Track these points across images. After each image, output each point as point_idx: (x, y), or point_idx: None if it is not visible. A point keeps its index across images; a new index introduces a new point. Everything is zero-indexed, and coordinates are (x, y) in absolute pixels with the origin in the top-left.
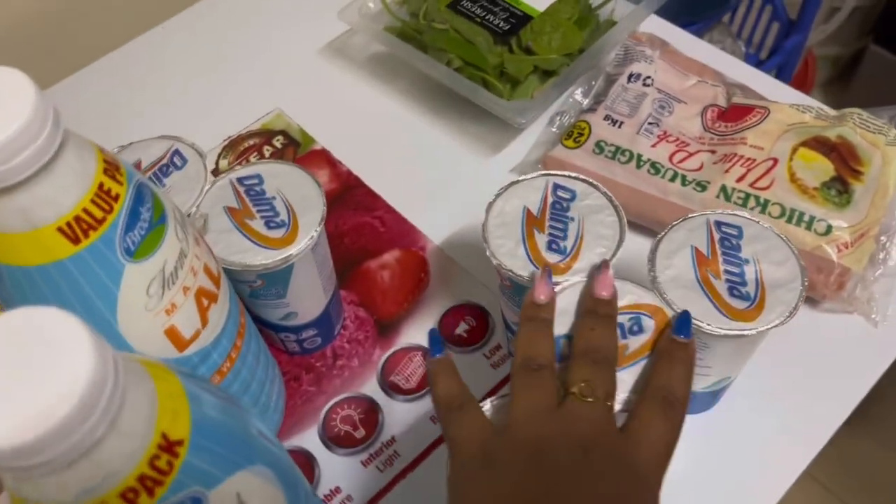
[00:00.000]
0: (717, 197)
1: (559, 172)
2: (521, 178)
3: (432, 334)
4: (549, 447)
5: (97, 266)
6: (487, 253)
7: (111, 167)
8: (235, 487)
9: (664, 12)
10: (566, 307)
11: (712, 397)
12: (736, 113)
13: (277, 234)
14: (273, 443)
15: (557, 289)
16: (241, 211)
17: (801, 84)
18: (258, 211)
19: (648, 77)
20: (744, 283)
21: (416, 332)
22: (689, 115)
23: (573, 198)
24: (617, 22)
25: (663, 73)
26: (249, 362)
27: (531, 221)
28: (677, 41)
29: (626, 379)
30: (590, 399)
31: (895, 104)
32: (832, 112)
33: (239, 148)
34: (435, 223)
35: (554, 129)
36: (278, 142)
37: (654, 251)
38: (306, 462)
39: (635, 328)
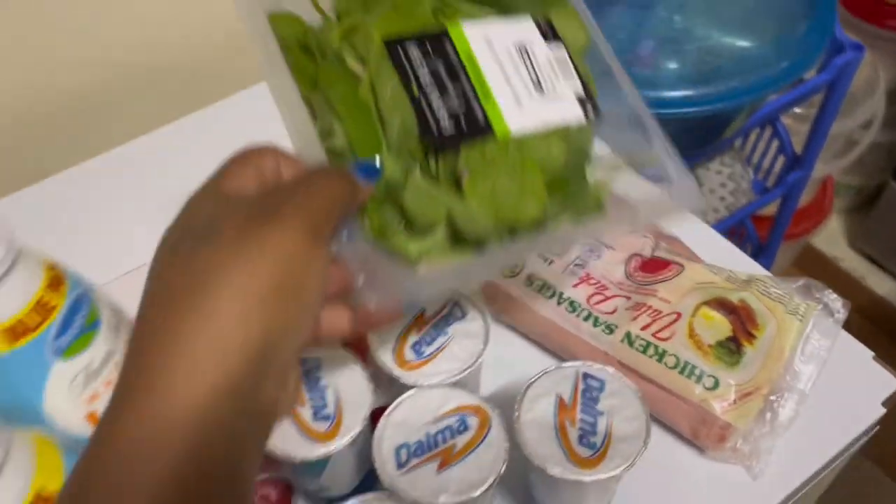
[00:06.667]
0: (622, 341)
1: None
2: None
3: None
4: None
5: (29, 362)
6: None
7: (55, 282)
8: None
9: None
10: (405, 418)
11: None
12: (655, 265)
13: (321, 426)
14: None
15: (403, 396)
16: None
17: (819, 210)
18: (310, 398)
19: None
20: (594, 433)
21: None
22: (616, 261)
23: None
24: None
25: None
26: None
27: None
28: None
29: (455, 476)
30: None
31: None
32: (742, 276)
33: None
34: None
35: None
36: None
37: (523, 394)
38: None
39: (461, 427)
